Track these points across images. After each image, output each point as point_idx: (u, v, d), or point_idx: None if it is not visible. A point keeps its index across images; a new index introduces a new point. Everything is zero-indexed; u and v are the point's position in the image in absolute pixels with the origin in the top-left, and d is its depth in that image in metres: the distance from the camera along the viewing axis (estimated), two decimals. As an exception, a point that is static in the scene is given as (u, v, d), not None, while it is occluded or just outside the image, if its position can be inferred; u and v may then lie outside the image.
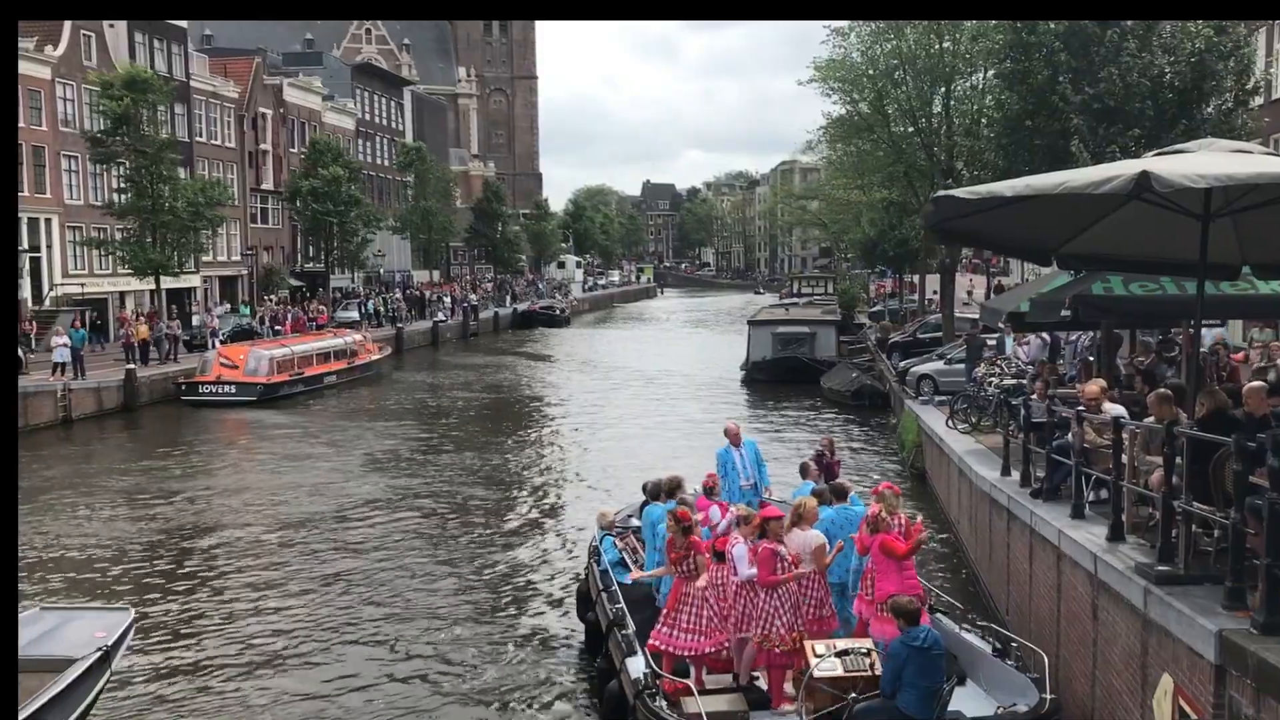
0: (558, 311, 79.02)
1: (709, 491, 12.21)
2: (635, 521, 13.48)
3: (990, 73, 30.27)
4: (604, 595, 11.96)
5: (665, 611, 10.18)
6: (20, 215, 42.69)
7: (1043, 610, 11.30)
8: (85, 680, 10.23)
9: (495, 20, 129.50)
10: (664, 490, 12.13)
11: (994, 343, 24.40)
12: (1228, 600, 7.51)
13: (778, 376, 39.89)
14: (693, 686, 9.51)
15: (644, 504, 12.78)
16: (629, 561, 12.79)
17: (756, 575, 9.72)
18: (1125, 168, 7.53)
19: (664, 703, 9.29)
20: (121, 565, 17.39)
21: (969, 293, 49.97)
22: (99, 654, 10.43)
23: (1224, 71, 21.40)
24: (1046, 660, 9.49)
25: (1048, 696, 8.92)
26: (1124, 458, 9.91)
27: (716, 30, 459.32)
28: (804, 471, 13.51)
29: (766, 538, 9.83)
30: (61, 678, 9.90)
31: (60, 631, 11.22)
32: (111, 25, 48.62)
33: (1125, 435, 9.93)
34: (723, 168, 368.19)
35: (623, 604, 11.39)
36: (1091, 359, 17.77)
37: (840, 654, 9.27)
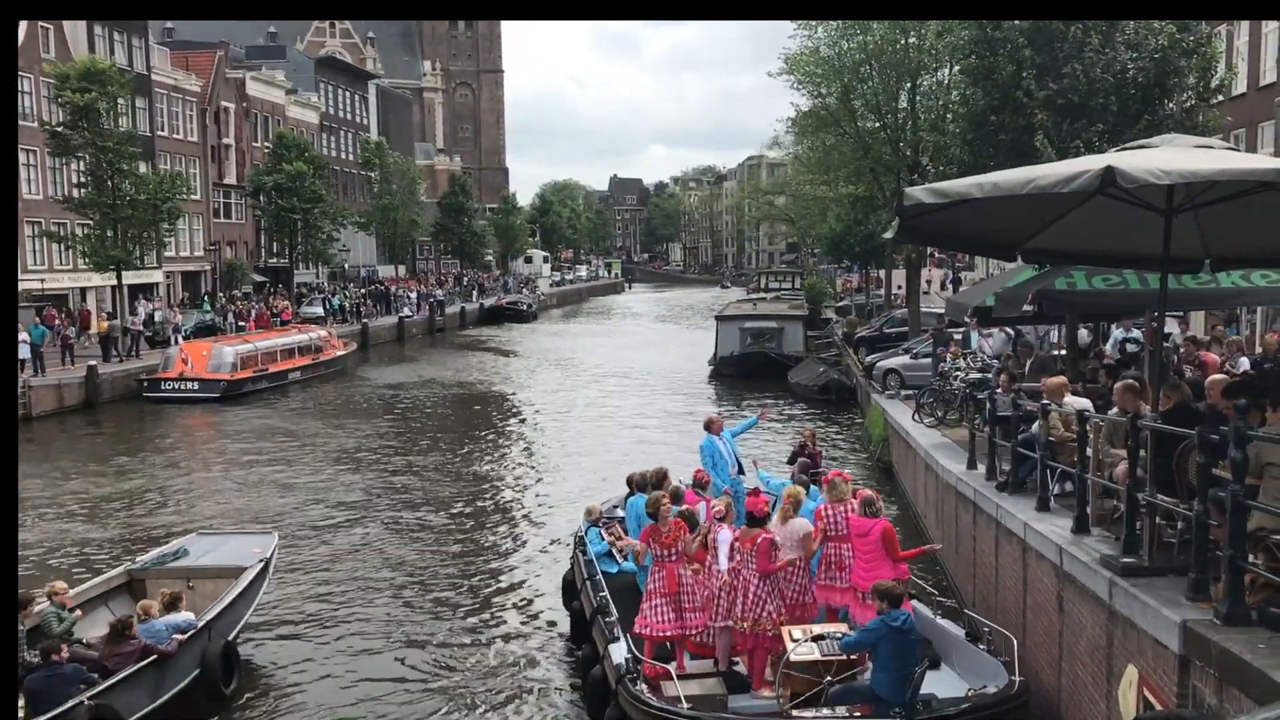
0: (525, 307, 78.75)
1: (700, 485, 12.54)
2: (620, 513, 13.82)
3: (955, 68, 30.40)
4: (589, 584, 12.25)
5: (648, 596, 10.41)
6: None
7: (1009, 602, 11.38)
8: (256, 583, 13.20)
9: (464, 20, 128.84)
10: (649, 482, 12.48)
11: (959, 337, 24.56)
12: (1191, 591, 7.58)
13: (745, 371, 40.01)
14: (673, 671, 9.79)
15: (628, 495, 13.21)
16: (614, 553, 13.08)
17: (756, 565, 9.97)
18: (1090, 164, 7.57)
19: (644, 686, 9.53)
20: (82, 565, 17.15)
21: (928, 282, 50.33)
22: (261, 564, 13.51)
23: (1187, 68, 21.61)
24: (1015, 644, 9.72)
25: (1016, 679, 9.25)
26: (1089, 451, 9.99)
27: (678, 26, 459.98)
28: (792, 460, 14.46)
29: (762, 527, 10.09)
30: (240, 580, 12.89)
31: (224, 548, 14.38)
32: (70, 17, 47.99)
33: (1089, 428, 10.01)
34: (687, 163, 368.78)
35: (606, 593, 11.67)
36: (1058, 353, 17.93)
37: (816, 639, 9.57)
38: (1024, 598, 10.82)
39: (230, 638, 12.22)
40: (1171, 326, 20.51)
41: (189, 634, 11.27)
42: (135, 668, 10.51)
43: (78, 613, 11.59)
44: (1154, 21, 21.53)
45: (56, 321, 40.12)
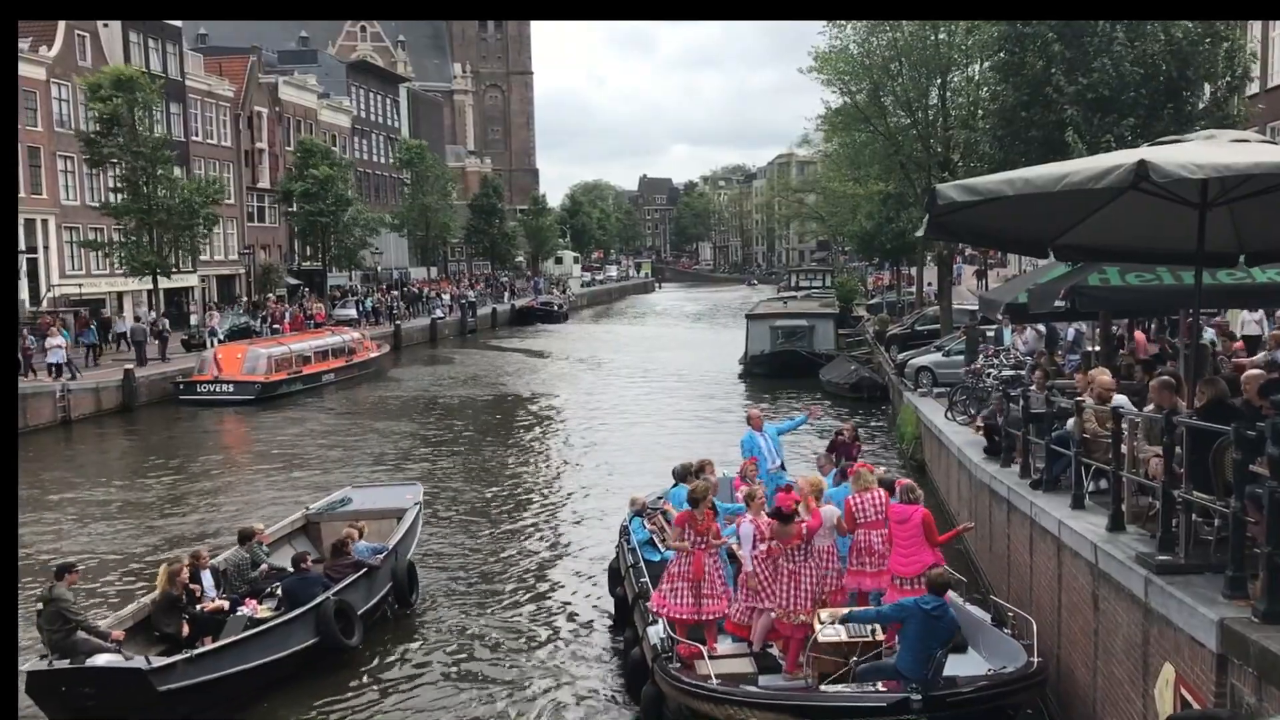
0: (556, 307, 78.95)
1: (744, 477, 13.12)
2: (664, 504, 14.21)
3: (985, 65, 30.26)
4: (631, 571, 12.91)
5: (670, 578, 10.80)
6: (17, 216, 42.71)
7: (1043, 601, 11.31)
8: (415, 523, 15.98)
9: (489, 20, 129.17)
10: (692, 471, 13.06)
11: (992, 334, 24.41)
12: (1228, 589, 7.51)
13: (776, 370, 39.89)
14: (705, 651, 10.14)
15: (672, 486, 13.73)
16: (656, 541, 13.49)
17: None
18: (1122, 158, 7.51)
19: (678, 664, 10.03)
20: (120, 571, 17.38)
21: (958, 276, 50.01)
22: (417, 506, 16.49)
23: (1212, 58, 21.41)
24: (1035, 626, 10.00)
25: (1035, 660, 9.62)
26: (1123, 448, 9.92)
27: (694, 23, 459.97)
28: (831, 450, 15.21)
29: (787, 526, 10.39)
30: (405, 517, 15.79)
31: (380, 496, 17.41)
32: (106, 25, 48.56)
33: (1125, 425, 9.94)
34: (709, 161, 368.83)
35: (648, 579, 12.10)
36: (1093, 349, 17.78)
37: (843, 620, 9.97)
38: (1058, 596, 10.76)
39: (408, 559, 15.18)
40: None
41: (383, 555, 14.17)
42: (354, 576, 13.41)
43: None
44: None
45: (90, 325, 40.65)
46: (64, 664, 10.77)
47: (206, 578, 12.80)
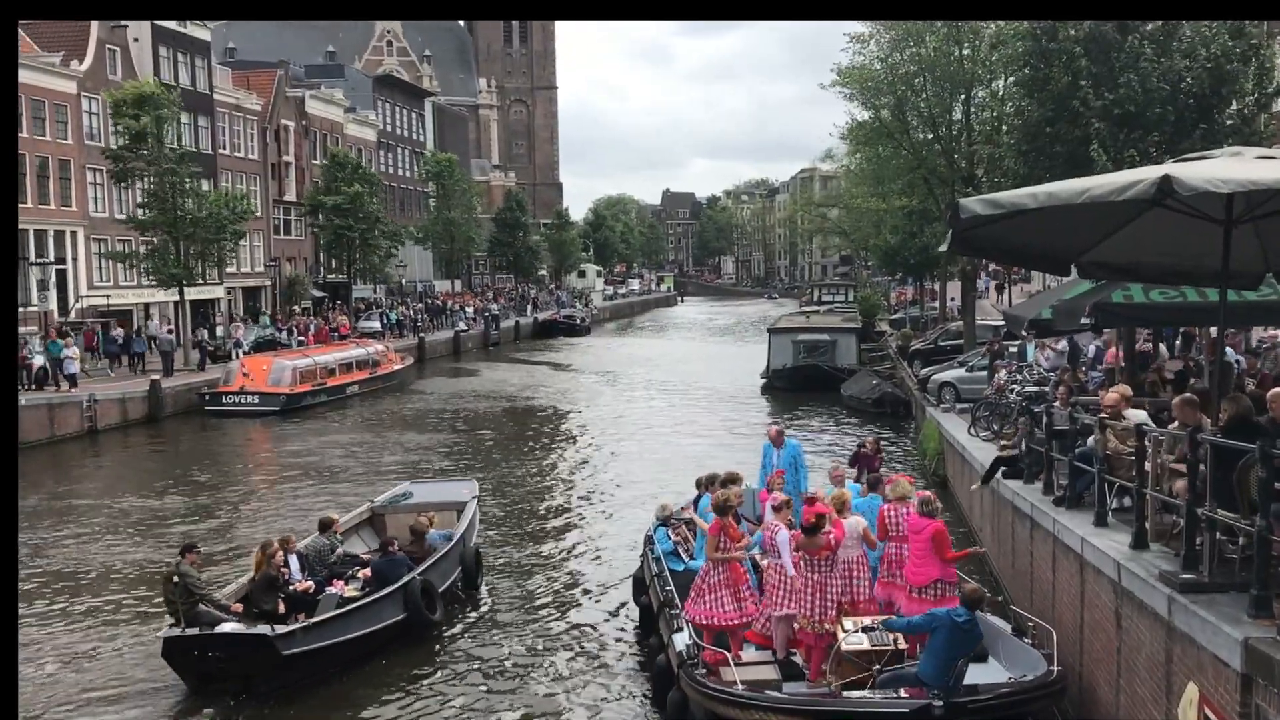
0: (578, 320, 79.10)
1: (772, 488, 13.32)
2: (687, 514, 14.49)
3: (1010, 79, 30.21)
4: (656, 580, 13.15)
5: (712, 589, 10.92)
6: (46, 228, 43.21)
7: (1066, 618, 11.25)
8: (475, 515, 17.14)
9: (501, 20, 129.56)
10: (719, 481, 13.39)
11: (1015, 349, 24.30)
12: (1253, 608, 7.46)
13: (798, 385, 39.81)
14: (729, 657, 10.37)
15: (697, 497, 14.11)
16: (680, 551, 13.75)
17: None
18: (1147, 173, 7.50)
19: (704, 670, 10.25)
20: (135, 588, 17.53)
21: (983, 292, 49.85)
22: (475, 498, 17.80)
23: (1243, 75, 21.32)
24: (1055, 636, 10.17)
25: (1054, 669, 9.79)
26: (1147, 465, 9.87)
27: (711, 36, 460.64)
28: (853, 463, 15.57)
29: (814, 536, 10.60)
30: (466, 511, 16.95)
31: (439, 490, 18.84)
32: (136, 39, 49.10)
33: (1148, 442, 9.89)
34: (729, 175, 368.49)
35: (673, 588, 12.40)
36: (1120, 365, 17.68)
37: (866, 629, 10.23)
38: (1081, 613, 10.70)
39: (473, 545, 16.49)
40: None
41: (454, 541, 15.60)
42: (433, 559, 14.75)
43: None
44: (1206, 28, 21.30)
45: (117, 331, 41.01)
46: (194, 631, 12.13)
47: (294, 561, 13.90)
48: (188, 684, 12.41)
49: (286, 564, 13.73)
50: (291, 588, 13.43)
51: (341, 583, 13.92)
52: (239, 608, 12.83)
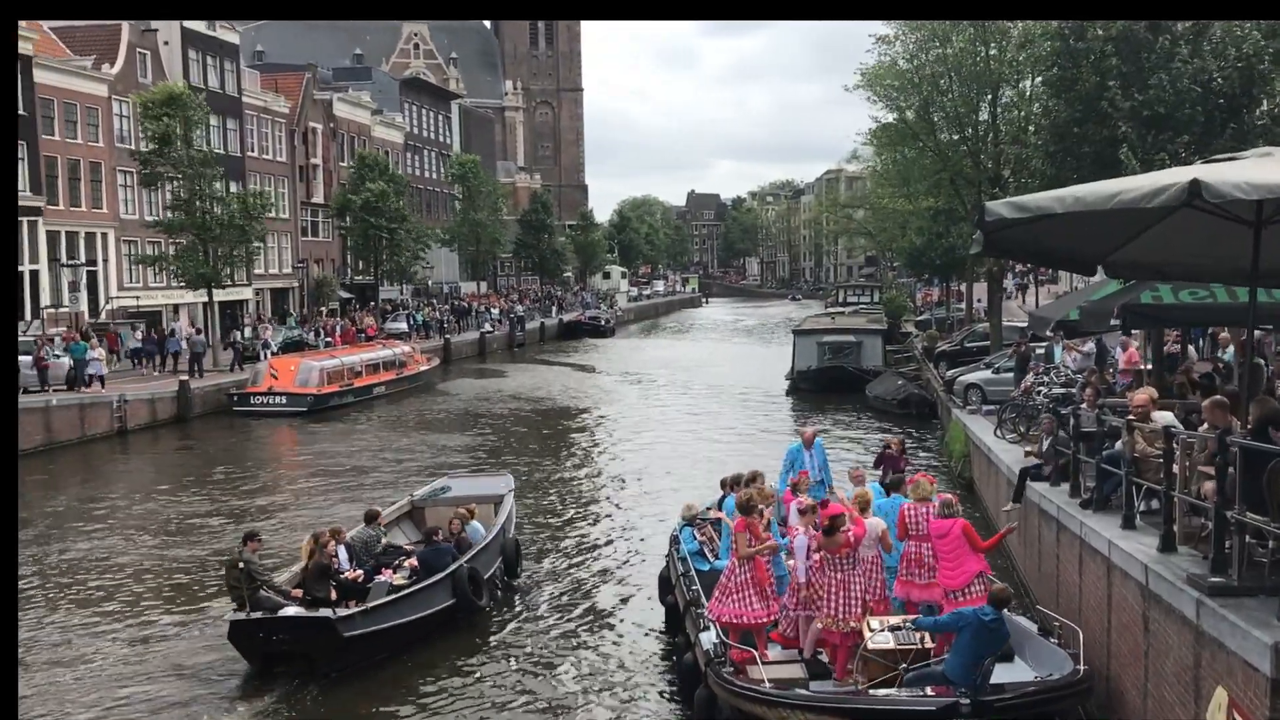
0: (603, 322, 79.19)
1: (795, 488, 13.43)
2: (714, 514, 14.54)
3: (1038, 80, 30.04)
4: (682, 580, 13.30)
5: (740, 587, 10.98)
6: (77, 230, 43.71)
7: (1093, 621, 11.19)
8: (512, 508, 17.67)
9: (527, 22, 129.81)
10: (743, 480, 13.41)
11: (1042, 351, 24.16)
12: (1283, 612, 7.41)
13: (823, 386, 39.72)
14: (757, 655, 10.46)
15: (722, 497, 14.20)
16: (705, 551, 13.82)
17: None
18: (1175, 177, 7.46)
19: (731, 669, 10.32)
20: (175, 579, 17.70)
21: (1012, 292, 49.57)
22: (511, 491, 18.32)
23: (1274, 75, 21.13)
24: (1081, 635, 10.16)
25: (1081, 668, 9.78)
26: (1175, 467, 9.81)
27: (736, 37, 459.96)
28: (878, 464, 15.66)
29: (834, 536, 10.65)
30: (504, 502, 17.59)
31: (476, 485, 19.30)
32: (166, 43, 49.60)
33: (1176, 445, 9.83)
34: (754, 176, 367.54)
35: (699, 587, 12.47)
36: (1144, 367, 17.57)
37: (892, 629, 10.30)
38: (1108, 616, 10.64)
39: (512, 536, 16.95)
40: None
41: (496, 532, 16.16)
42: (476, 549, 15.15)
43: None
44: (1238, 28, 21.11)
45: (147, 333, 41.42)
46: (258, 615, 12.60)
47: (342, 551, 14.31)
48: (252, 665, 12.90)
49: (336, 554, 14.14)
50: (343, 576, 13.90)
51: (390, 571, 14.36)
52: (299, 593, 13.28)
